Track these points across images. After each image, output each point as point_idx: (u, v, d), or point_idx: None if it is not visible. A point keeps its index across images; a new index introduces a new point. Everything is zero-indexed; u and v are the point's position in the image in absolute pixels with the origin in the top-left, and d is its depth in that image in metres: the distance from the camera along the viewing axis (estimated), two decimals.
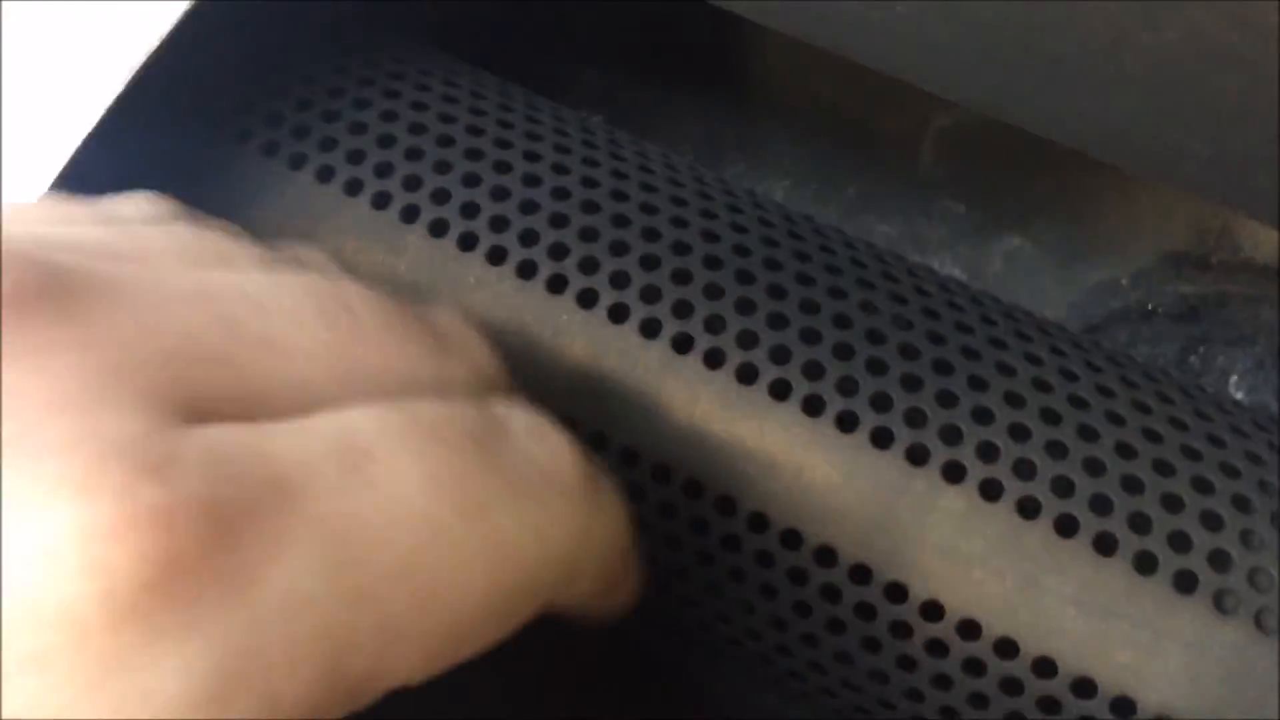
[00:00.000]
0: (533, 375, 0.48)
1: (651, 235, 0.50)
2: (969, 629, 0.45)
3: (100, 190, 0.48)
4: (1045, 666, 0.44)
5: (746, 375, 0.47)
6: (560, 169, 0.51)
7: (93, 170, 0.50)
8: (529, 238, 0.49)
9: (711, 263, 0.49)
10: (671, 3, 0.73)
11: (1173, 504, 0.44)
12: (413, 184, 0.50)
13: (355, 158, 0.51)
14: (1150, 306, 0.68)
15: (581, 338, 0.48)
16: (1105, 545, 0.44)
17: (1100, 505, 0.44)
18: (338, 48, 0.55)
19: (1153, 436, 0.46)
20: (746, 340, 0.47)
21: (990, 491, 0.45)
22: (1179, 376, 0.51)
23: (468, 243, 0.49)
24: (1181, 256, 0.68)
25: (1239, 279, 0.67)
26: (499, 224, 0.50)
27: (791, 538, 0.46)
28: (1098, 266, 0.70)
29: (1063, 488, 0.45)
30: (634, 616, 0.46)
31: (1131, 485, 0.45)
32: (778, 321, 0.48)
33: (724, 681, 0.59)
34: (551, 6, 0.74)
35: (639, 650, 0.59)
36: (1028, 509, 0.45)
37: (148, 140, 0.52)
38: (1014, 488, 0.45)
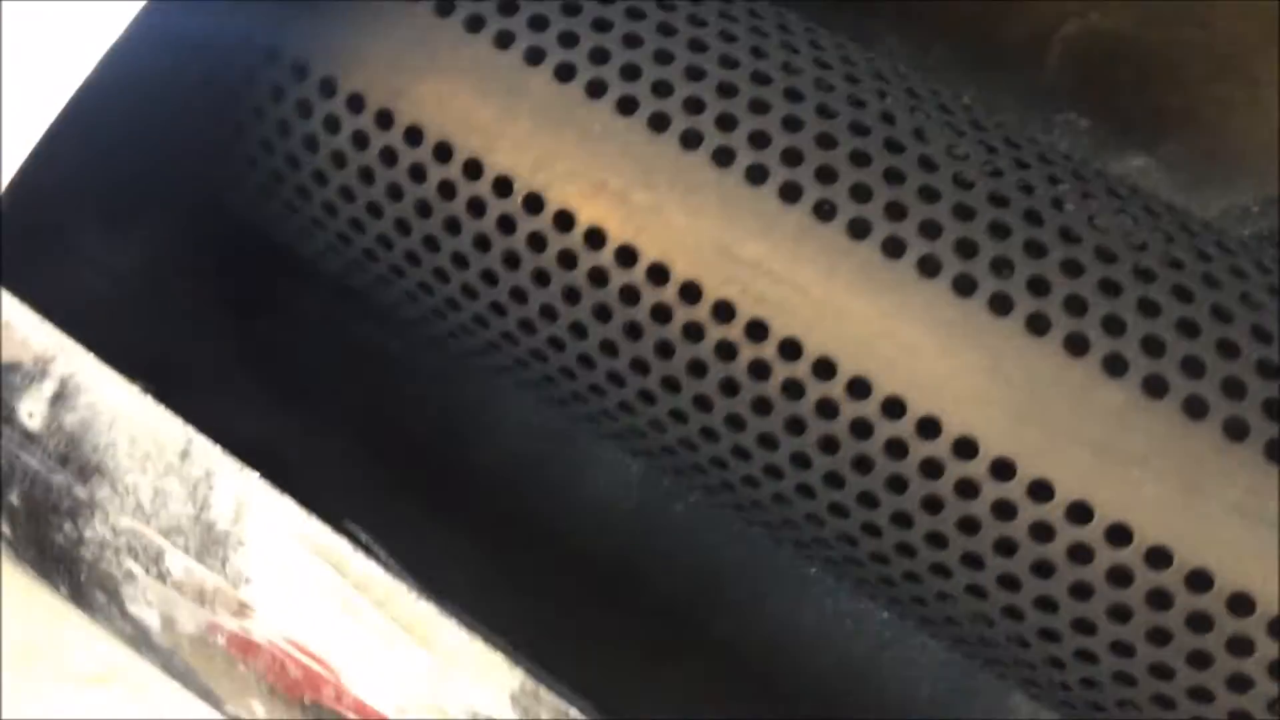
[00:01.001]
0: (661, 235, 0.45)
1: (794, 96, 0.46)
2: (1119, 534, 0.41)
3: (202, 9, 0.45)
4: (1200, 579, 0.41)
5: (892, 249, 0.44)
6: (696, 20, 0.48)
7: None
8: (662, 89, 0.46)
9: (859, 129, 0.45)
10: None
11: None
12: (539, 24, 0.47)
13: None
14: None
15: (715, 198, 0.44)
16: (1277, 451, 0.41)
17: (1275, 409, 0.41)
18: None
19: None
20: (894, 212, 0.44)
21: (1155, 387, 0.41)
22: None
23: (596, 90, 0.46)
24: None
25: None
26: (630, 73, 0.46)
27: (929, 426, 0.43)
28: (1226, 191, 0.66)
29: (1234, 389, 0.41)
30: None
31: None
32: (929, 194, 0.44)
33: None
34: None
35: None
36: (1196, 408, 0.41)
37: None
38: (1180, 385, 0.41)
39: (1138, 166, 0.67)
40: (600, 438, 0.63)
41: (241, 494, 0.39)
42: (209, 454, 0.39)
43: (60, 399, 0.40)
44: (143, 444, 0.40)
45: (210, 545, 0.40)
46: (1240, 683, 0.41)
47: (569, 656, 0.63)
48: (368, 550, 0.38)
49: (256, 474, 0.38)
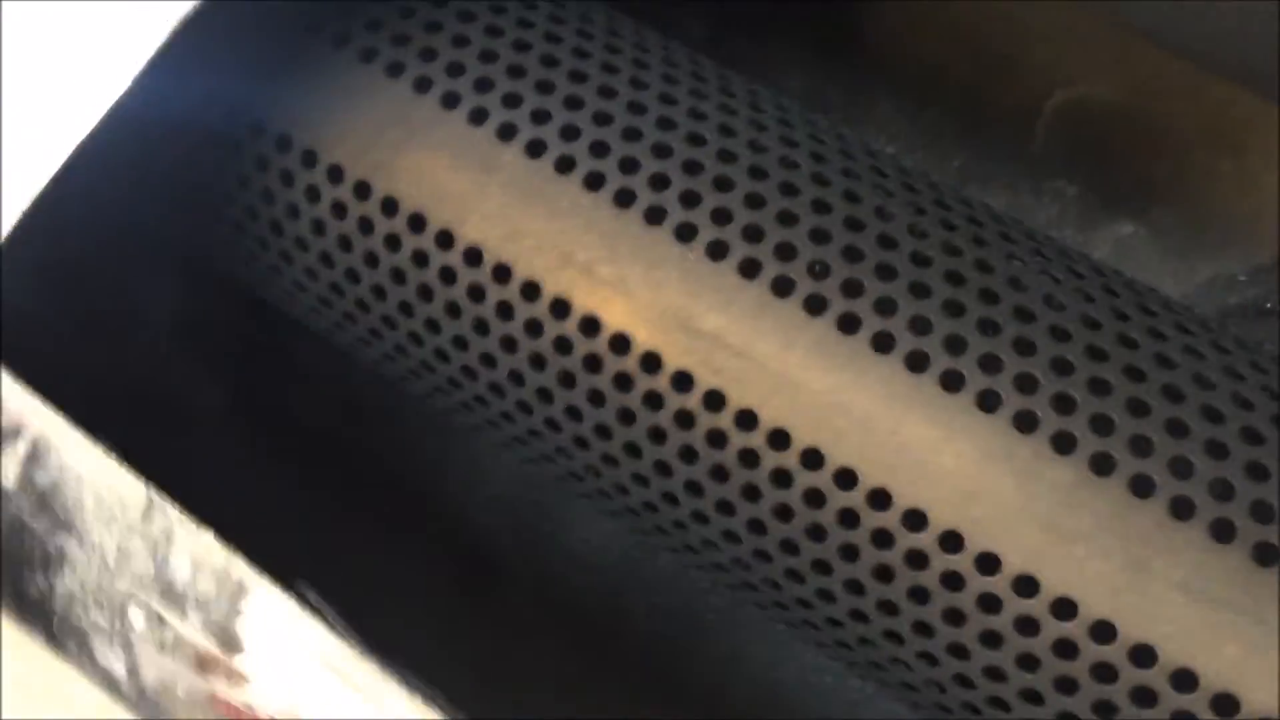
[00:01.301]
0: (624, 306, 0.46)
1: (758, 174, 0.47)
2: (1064, 609, 0.42)
3: (193, 84, 0.47)
4: (1144, 654, 0.41)
5: (848, 325, 0.44)
6: (667, 99, 0.49)
7: (187, 64, 0.48)
8: (629, 165, 0.47)
9: (820, 207, 0.46)
10: None
11: None
12: (512, 101, 0.48)
13: (454, 70, 0.49)
14: (1269, 306, 0.64)
15: (677, 272, 0.46)
16: (1223, 532, 0.41)
17: (1221, 490, 0.41)
18: None
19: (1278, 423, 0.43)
20: (851, 289, 0.45)
21: (1102, 466, 0.42)
22: None
23: (565, 166, 0.47)
24: None
25: None
26: (599, 149, 0.47)
27: (880, 498, 0.44)
28: (1214, 259, 0.66)
29: (1181, 468, 0.42)
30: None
31: (1256, 472, 0.41)
32: (885, 273, 0.45)
33: None
34: None
35: None
36: (1141, 487, 0.42)
37: (243, 38, 0.50)
38: (1128, 464, 0.42)
39: (1127, 234, 0.68)
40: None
41: (197, 554, 0.40)
42: (169, 514, 0.40)
43: (33, 459, 0.42)
44: (107, 503, 0.41)
45: (170, 602, 0.41)
46: None
47: (549, 703, 0.64)
48: (316, 611, 0.39)
49: (210, 533, 0.40)
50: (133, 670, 0.44)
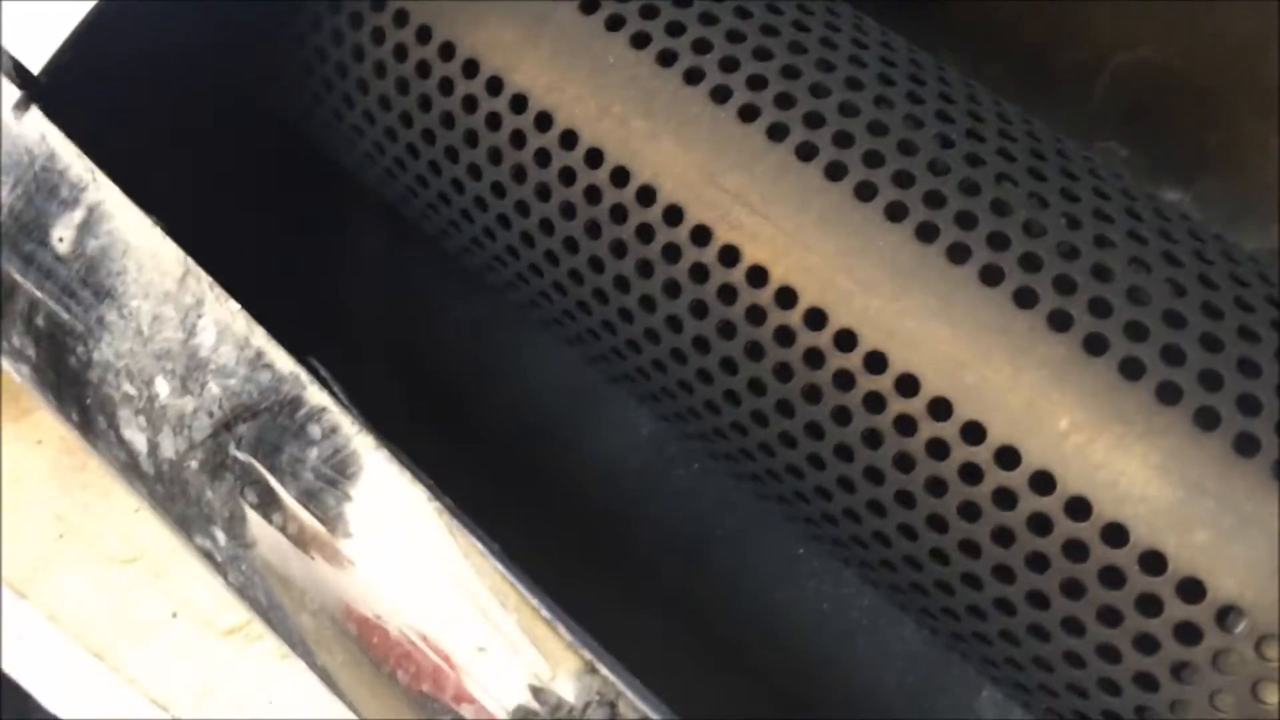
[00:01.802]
0: (653, 160, 0.48)
1: (797, 49, 0.49)
2: (1043, 482, 0.43)
3: None
4: (1116, 533, 0.42)
5: (864, 192, 0.46)
6: None
7: None
8: (675, 29, 0.49)
9: (853, 84, 0.48)
10: None
11: None
12: None
13: None
14: None
15: (707, 130, 0.47)
16: (1207, 419, 0.41)
17: (1209, 380, 0.42)
18: None
19: (1277, 326, 0.43)
20: (872, 160, 0.46)
21: (1095, 346, 0.43)
22: None
23: (614, 24, 0.49)
24: None
25: None
26: (648, 11, 0.49)
27: (876, 361, 0.45)
28: (1258, 233, 0.66)
29: (1172, 355, 0.42)
30: None
31: (1247, 368, 0.42)
32: (907, 148, 0.46)
33: None
34: None
35: None
36: (1131, 370, 0.42)
37: None
38: (1121, 346, 0.42)
39: (1173, 200, 0.68)
40: (615, 391, 0.66)
41: (222, 322, 0.43)
42: (201, 284, 0.43)
43: (87, 225, 0.45)
44: (148, 271, 0.44)
45: (193, 371, 0.44)
46: (1147, 644, 0.41)
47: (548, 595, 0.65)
48: (324, 384, 0.41)
49: (238, 305, 0.42)
50: (153, 445, 0.47)
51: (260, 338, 0.42)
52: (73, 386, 0.48)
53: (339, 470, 0.41)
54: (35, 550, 0.77)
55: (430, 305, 0.75)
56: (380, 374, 0.74)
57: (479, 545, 0.41)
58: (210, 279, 0.43)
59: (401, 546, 0.42)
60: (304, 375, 0.41)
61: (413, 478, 0.41)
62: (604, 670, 0.40)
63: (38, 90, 0.45)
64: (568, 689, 0.41)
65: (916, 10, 0.73)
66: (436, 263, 0.71)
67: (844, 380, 0.45)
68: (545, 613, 0.41)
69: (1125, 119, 0.69)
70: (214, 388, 0.43)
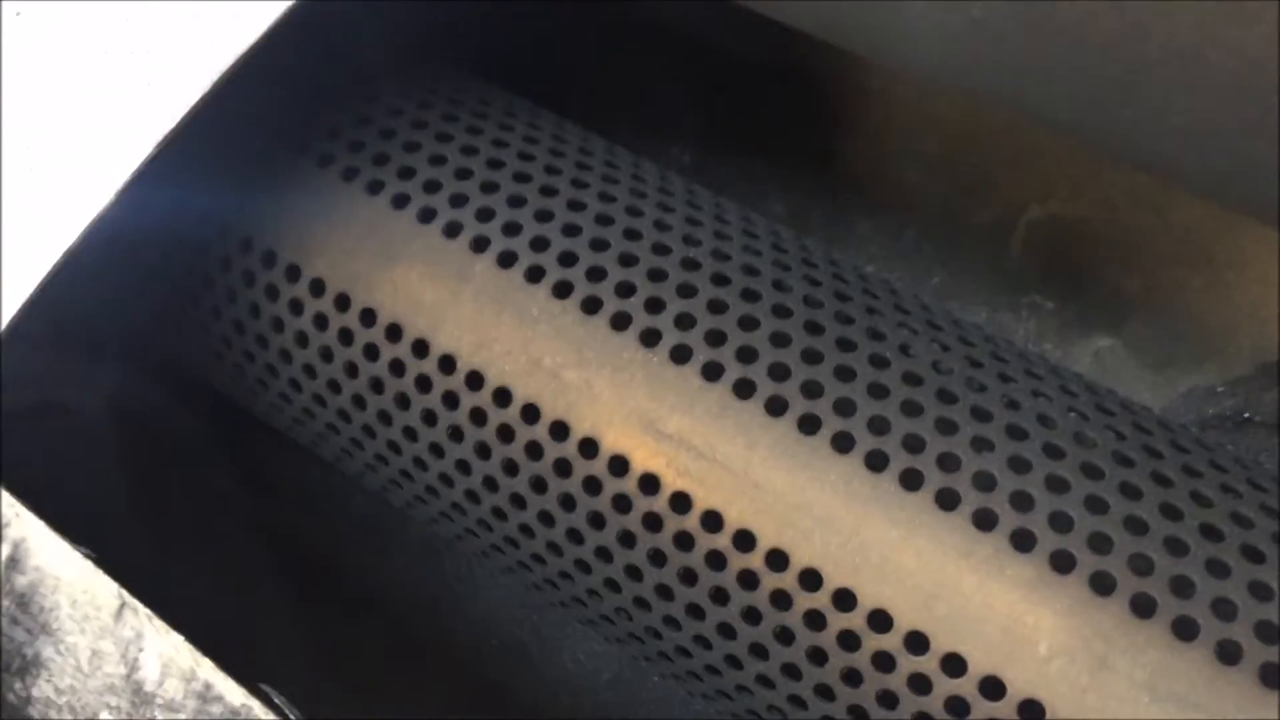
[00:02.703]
0: (589, 408, 0.47)
1: (720, 280, 0.48)
2: (1031, 710, 0.41)
3: (179, 195, 0.49)
4: None
5: (809, 425, 0.45)
6: (633, 211, 0.51)
7: (170, 175, 0.50)
8: (596, 274, 0.49)
9: (780, 311, 0.48)
10: (762, 80, 0.73)
11: (1262, 592, 0.41)
12: (485, 215, 0.50)
13: (431, 187, 0.51)
14: (1247, 415, 0.65)
15: (642, 375, 0.47)
16: (1186, 630, 0.41)
17: (1181, 587, 0.41)
18: (422, 81, 0.56)
19: (1242, 521, 0.43)
20: (811, 390, 0.46)
21: (1062, 564, 0.42)
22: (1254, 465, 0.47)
23: (534, 275, 0.49)
24: None
25: None
26: (567, 259, 0.49)
27: (845, 598, 0.44)
28: (1192, 371, 0.67)
29: (1141, 566, 0.42)
30: None
31: (1217, 569, 0.42)
32: (845, 374, 0.46)
33: None
34: (642, 78, 0.75)
35: None
36: (1103, 584, 0.42)
37: (229, 154, 0.52)
38: (1088, 561, 0.42)
39: (1105, 347, 0.69)
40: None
41: (166, 655, 0.40)
42: (139, 616, 0.41)
43: (14, 562, 0.43)
44: (82, 605, 0.42)
45: (139, 707, 0.41)
46: None
47: None
48: (279, 711, 0.39)
49: (180, 637, 0.40)
50: None
51: (207, 669, 0.40)
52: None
53: None
54: None
55: (378, 536, 0.73)
56: (334, 614, 0.72)
57: None
58: (149, 611, 0.41)
59: None
60: (257, 706, 0.39)
61: None
62: None
63: None
64: None
65: (828, 180, 0.74)
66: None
67: (815, 619, 0.44)
68: None
69: (1044, 272, 0.70)
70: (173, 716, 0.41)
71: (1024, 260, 0.70)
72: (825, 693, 0.45)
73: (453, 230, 0.50)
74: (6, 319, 0.45)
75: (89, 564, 0.42)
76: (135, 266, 0.53)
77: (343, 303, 0.50)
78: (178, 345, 0.57)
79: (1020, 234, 0.70)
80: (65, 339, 0.52)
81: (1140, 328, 0.68)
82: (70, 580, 0.42)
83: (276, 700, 0.40)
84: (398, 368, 0.50)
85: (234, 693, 0.40)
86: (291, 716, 0.40)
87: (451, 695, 0.69)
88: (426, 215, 0.50)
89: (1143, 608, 0.41)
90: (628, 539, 0.47)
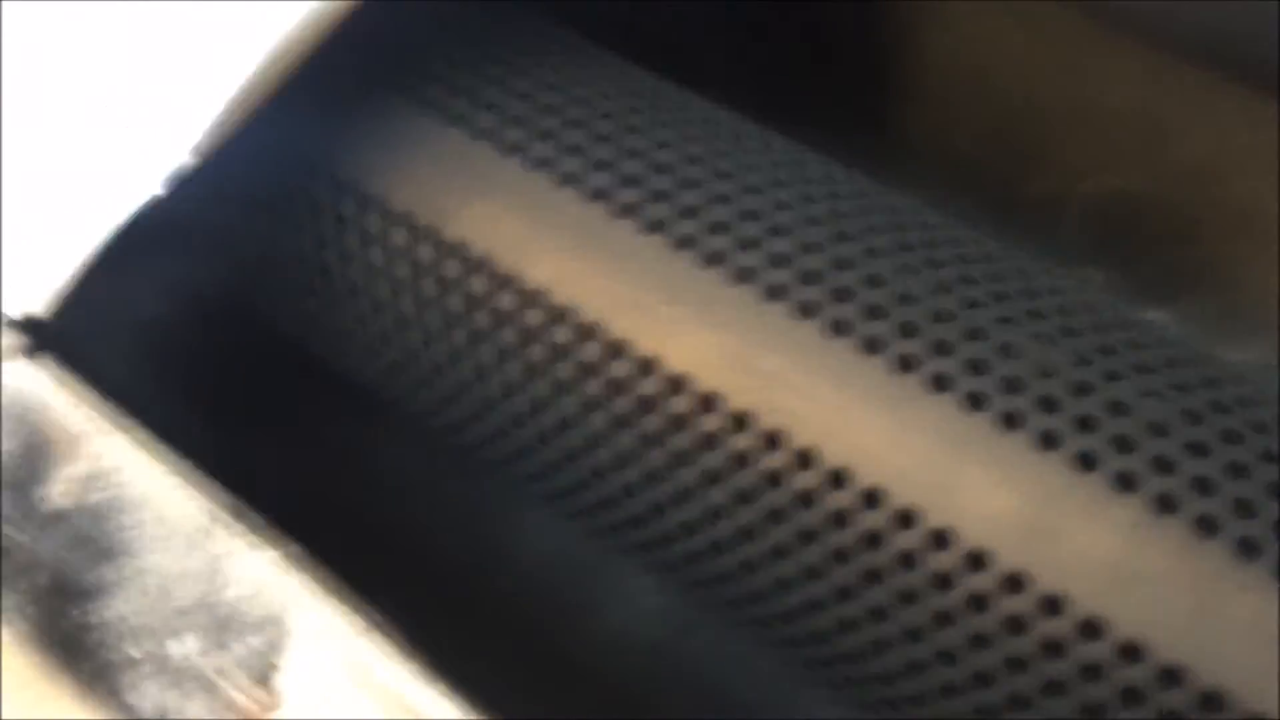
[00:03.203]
0: (681, 347, 0.47)
1: (812, 221, 0.48)
2: (1132, 652, 0.41)
3: (266, 143, 0.48)
4: (1213, 700, 0.40)
5: (905, 365, 0.45)
6: (719, 152, 0.50)
7: (259, 124, 0.50)
8: (688, 212, 0.48)
9: (873, 252, 0.47)
10: (816, 44, 0.73)
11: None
12: (573, 151, 0.50)
13: (517, 122, 0.50)
14: None
15: (735, 313, 0.46)
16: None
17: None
18: (500, 20, 0.55)
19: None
20: (908, 330, 0.45)
21: (1166, 505, 0.42)
22: None
23: (625, 211, 0.48)
24: None
25: None
26: (659, 196, 0.49)
27: (940, 539, 0.43)
28: (1246, 344, 0.67)
29: (1245, 508, 0.42)
30: None
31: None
32: (942, 315, 0.46)
33: None
34: (688, 35, 0.74)
35: None
36: (1208, 526, 0.41)
37: (310, 94, 0.52)
38: (1193, 503, 0.42)
39: (1156, 319, 0.69)
40: (622, 560, 0.63)
41: (250, 577, 0.40)
42: (231, 535, 0.40)
43: (90, 478, 0.42)
44: (164, 524, 0.41)
45: (218, 630, 0.40)
46: None
47: None
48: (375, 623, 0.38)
49: (275, 553, 0.39)
50: (174, 708, 0.43)
51: (291, 590, 0.39)
52: (71, 649, 0.44)
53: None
54: None
55: (414, 491, 0.72)
56: (377, 562, 0.70)
57: None
58: (242, 527, 0.40)
59: None
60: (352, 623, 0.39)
61: None
62: None
63: (35, 337, 0.43)
64: None
65: (882, 152, 0.73)
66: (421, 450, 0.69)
67: (907, 560, 0.44)
68: None
69: (1098, 245, 0.70)
70: (254, 641, 0.40)
71: (1077, 233, 0.70)
72: (913, 635, 0.44)
73: (541, 164, 0.49)
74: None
75: (176, 479, 0.41)
76: (218, 217, 0.52)
77: (430, 236, 0.50)
78: (262, 296, 0.56)
79: (1075, 206, 0.70)
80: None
81: (1193, 302, 0.68)
82: (153, 497, 0.41)
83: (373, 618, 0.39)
84: (485, 300, 0.49)
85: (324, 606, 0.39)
86: (386, 634, 0.39)
87: (493, 654, 0.68)
88: (513, 150, 0.50)
89: (1248, 549, 0.41)
90: (712, 477, 0.47)
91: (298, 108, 0.52)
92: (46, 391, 0.42)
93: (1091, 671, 0.41)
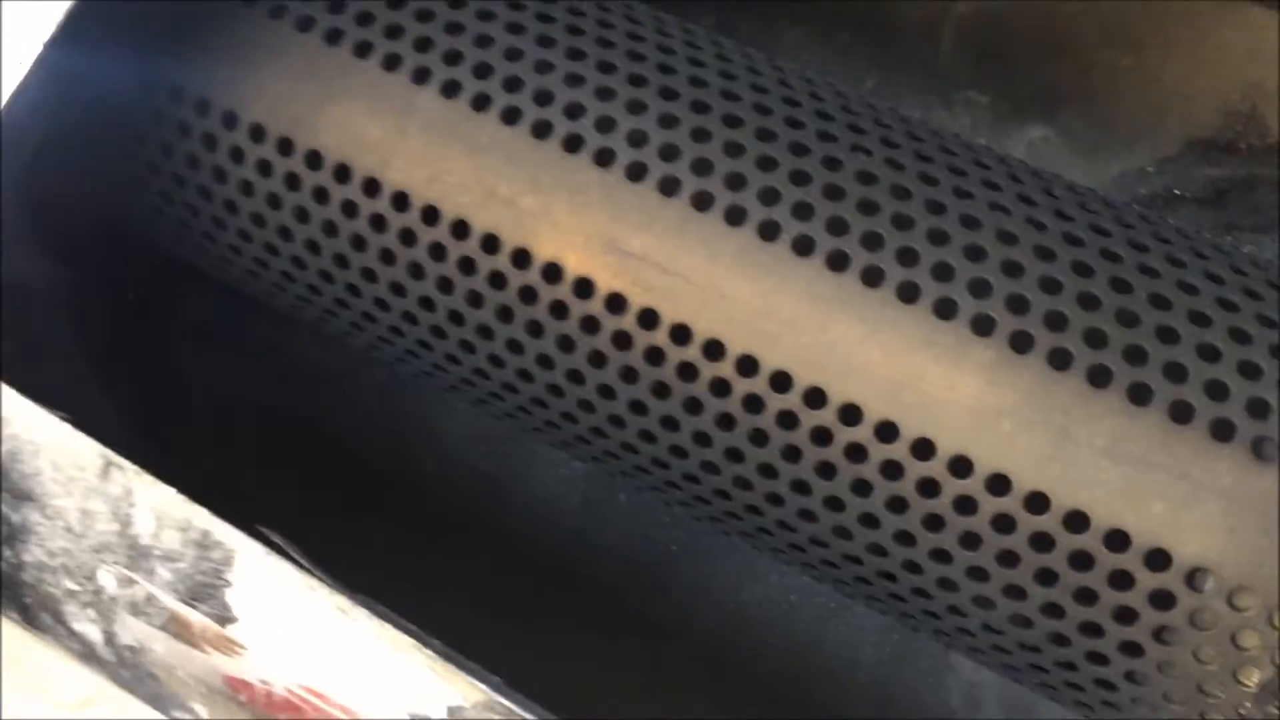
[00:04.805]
0: (550, 233, 0.47)
1: (669, 94, 0.48)
2: (999, 484, 0.44)
3: (99, 48, 0.47)
4: (1077, 520, 0.43)
5: (768, 232, 0.46)
6: (574, 30, 0.50)
7: (96, 36, 0.49)
8: (543, 97, 0.48)
9: (731, 121, 0.48)
10: None
11: (1209, 354, 0.43)
12: (424, 45, 0.49)
13: (364, 20, 0.50)
14: (1177, 192, 0.66)
15: (599, 196, 0.47)
16: (1139, 395, 0.43)
17: (1135, 355, 0.43)
18: None
19: (1189, 289, 0.45)
20: (768, 197, 0.46)
21: (1020, 344, 0.44)
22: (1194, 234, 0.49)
23: (480, 103, 0.48)
24: (1208, 142, 0.67)
25: (1268, 163, 0.65)
26: (513, 84, 0.48)
27: (816, 396, 0.45)
28: (1123, 154, 0.68)
29: (1096, 338, 0.43)
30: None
31: (1167, 335, 0.43)
32: (800, 178, 0.46)
33: None
34: None
35: None
36: (1059, 360, 0.43)
37: (151, 4, 0.50)
38: (1045, 339, 0.44)
39: (1039, 137, 0.70)
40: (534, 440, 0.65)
41: (159, 509, 0.41)
42: (126, 473, 0.41)
43: None
44: (65, 468, 0.42)
45: (137, 560, 0.42)
46: (1126, 615, 0.43)
47: (519, 651, 0.65)
48: (281, 551, 0.40)
49: (172, 489, 0.41)
50: (109, 635, 0.45)
51: (202, 517, 0.41)
52: (10, 589, 0.46)
53: None
54: None
55: (332, 383, 0.73)
56: (290, 460, 0.72)
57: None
58: (135, 467, 0.41)
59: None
60: (257, 547, 0.40)
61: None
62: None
63: None
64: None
65: None
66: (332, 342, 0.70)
67: (787, 419, 0.46)
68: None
69: (977, 67, 0.70)
70: (164, 573, 0.42)
71: (955, 56, 0.70)
72: (801, 487, 0.47)
73: (392, 63, 0.49)
74: None
75: (68, 427, 0.42)
76: (65, 135, 0.52)
77: (286, 147, 0.49)
78: (119, 210, 0.55)
79: (950, 30, 0.70)
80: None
81: (1072, 116, 0.69)
82: (50, 444, 0.42)
83: (276, 540, 0.40)
84: (350, 209, 0.49)
85: (232, 536, 0.40)
86: (292, 554, 0.40)
87: (421, 528, 0.70)
88: (362, 49, 0.49)
89: (1099, 378, 0.43)
90: (598, 359, 0.48)
91: (146, 24, 0.51)
92: None
93: (965, 504, 0.44)
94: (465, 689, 0.41)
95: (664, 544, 0.70)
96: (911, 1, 0.70)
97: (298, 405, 0.73)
